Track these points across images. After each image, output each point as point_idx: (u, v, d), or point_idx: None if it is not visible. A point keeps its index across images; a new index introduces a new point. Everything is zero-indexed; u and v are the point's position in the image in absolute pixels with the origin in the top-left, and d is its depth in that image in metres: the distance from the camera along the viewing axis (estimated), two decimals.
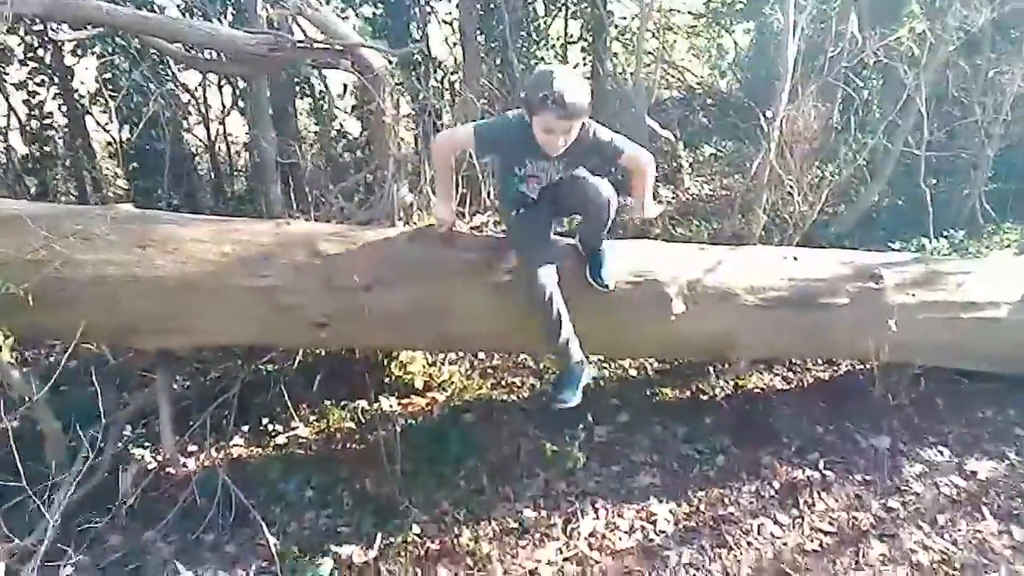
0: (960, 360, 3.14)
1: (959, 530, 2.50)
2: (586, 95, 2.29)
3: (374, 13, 6.97)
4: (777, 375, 3.56)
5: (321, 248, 2.57)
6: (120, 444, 2.87)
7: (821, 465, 2.87)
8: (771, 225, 4.24)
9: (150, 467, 2.86)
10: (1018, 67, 4.77)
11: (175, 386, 3.49)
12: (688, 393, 3.43)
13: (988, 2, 4.81)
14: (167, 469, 2.87)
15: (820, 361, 3.61)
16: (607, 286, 2.69)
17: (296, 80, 5.92)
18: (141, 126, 4.15)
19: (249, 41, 2.74)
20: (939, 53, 4.98)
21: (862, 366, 3.31)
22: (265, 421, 3.15)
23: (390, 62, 6.97)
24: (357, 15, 7.07)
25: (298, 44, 2.78)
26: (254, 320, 2.55)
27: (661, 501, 2.70)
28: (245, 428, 3.17)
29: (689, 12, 8.07)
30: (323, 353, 3.41)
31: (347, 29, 2.92)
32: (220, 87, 6.58)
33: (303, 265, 2.55)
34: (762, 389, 3.44)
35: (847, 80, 5.43)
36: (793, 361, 3.61)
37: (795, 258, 3.02)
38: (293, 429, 3.19)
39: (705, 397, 3.39)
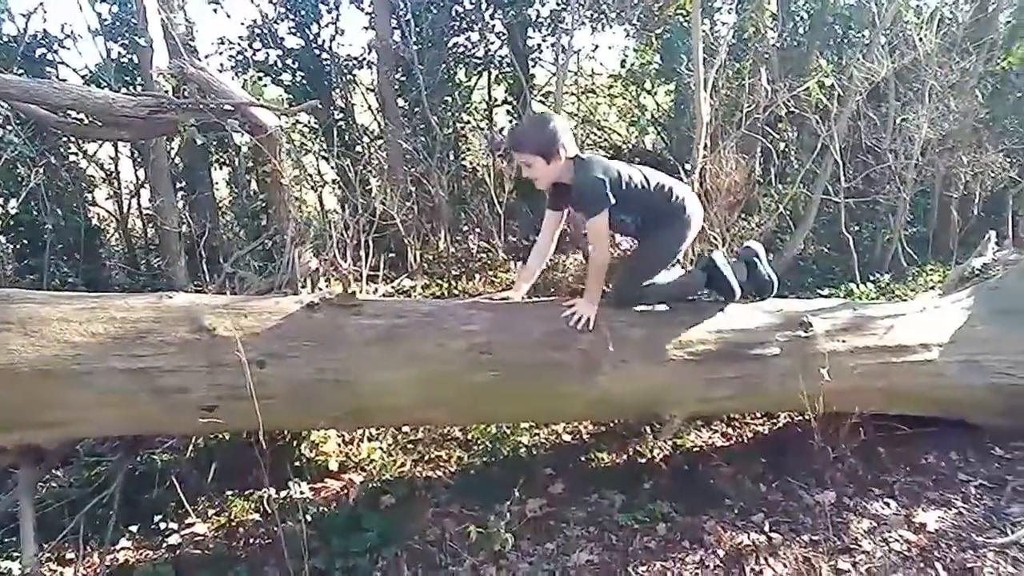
0: (896, 405, 3.06)
1: None
2: (528, 130, 2.62)
3: (293, 81, 6.87)
4: (716, 431, 3.43)
5: (207, 323, 2.32)
6: None
7: (766, 527, 2.71)
8: None
9: None
10: (922, 114, 4.96)
11: (55, 484, 3.11)
12: (625, 457, 3.25)
13: (889, 55, 5.03)
14: None
15: (758, 415, 3.48)
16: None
17: (212, 148, 5.70)
18: (22, 199, 3.82)
19: (127, 104, 2.53)
20: (848, 104, 5.16)
21: (800, 417, 3.19)
22: (157, 519, 2.81)
23: (311, 127, 6.87)
24: (276, 83, 6.97)
25: (181, 104, 2.59)
26: (129, 407, 2.25)
27: None
28: (134, 528, 2.81)
29: (610, 75, 8.26)
30: (225, 437, 3.09)
31: (236, 88, 2.75)
32: (134, 159, 6.31)
33: (186, 342, 2.29)
34: (701, 447, 3.30)
35: (764, 133, 5.57)
36: (732, 416, 3.47)
37: (722, 309, 2.91)
38: (189, 526, 2.84)
39: (643, 460, 3.21)
